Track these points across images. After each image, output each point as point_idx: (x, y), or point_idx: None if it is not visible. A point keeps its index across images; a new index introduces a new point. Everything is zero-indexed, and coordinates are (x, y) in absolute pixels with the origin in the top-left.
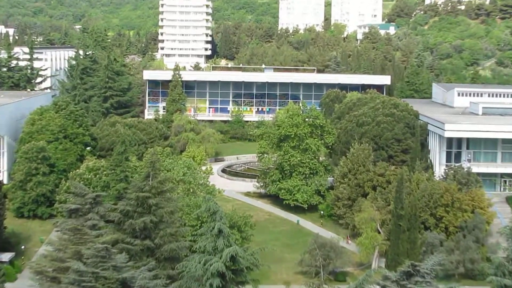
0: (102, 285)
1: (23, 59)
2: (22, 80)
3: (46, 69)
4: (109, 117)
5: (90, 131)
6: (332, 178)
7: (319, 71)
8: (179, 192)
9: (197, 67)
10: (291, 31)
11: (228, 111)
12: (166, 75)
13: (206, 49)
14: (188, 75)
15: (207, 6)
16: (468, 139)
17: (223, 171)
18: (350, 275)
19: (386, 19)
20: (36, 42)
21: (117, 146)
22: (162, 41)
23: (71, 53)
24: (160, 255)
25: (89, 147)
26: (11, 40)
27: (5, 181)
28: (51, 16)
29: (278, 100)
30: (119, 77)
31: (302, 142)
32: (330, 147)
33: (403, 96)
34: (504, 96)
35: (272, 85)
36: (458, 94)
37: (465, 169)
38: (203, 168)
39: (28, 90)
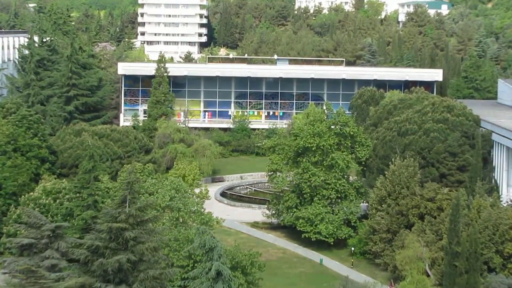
0: None
1: None
2: None
3: None
4: (73, 123)
5: (48, 142)
6: (366, 204)
7: (349, 63)
8: (165, 222)
9: (188, 59)
10: (311, 12)
11: (230, 116)
12: (148, 69)
13: (200, 35)
14: (176, 69)
15: None
16: None
17: (223, 194)
18: None
19: None
20: None
21: (83, 162)
22: (143, 24)
23: (22, 39)
24: None
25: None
26: None
27: None
28: None
29: (295, 101)
30: (86, 71)
31: (327, 157)
32: (363, 163)
33: (459, 96)
34: None
35: (287, 81)
36: None
37: None
38: (197, 190)
39: None
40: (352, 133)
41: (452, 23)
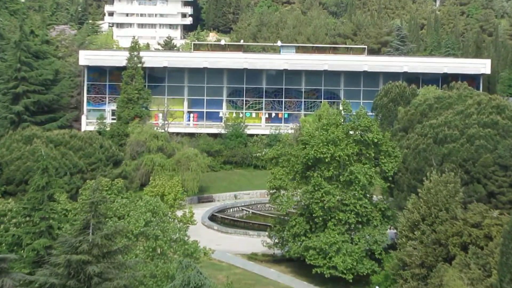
0: None
1: None
2: None
3: None
4: (22, 127)
5: None
6: (394, 231)
7: (372, 51)
8: (138, 253)
9: (169, 46)
10: None
11: (221, 118)
12: (118, 59)
13: (184, 16)
14: (154, 59)
15: None
16: None
17: (212, 218)
18: None
19: None
20: None
21: (35, 176)
22: (111, 1)
23: None
24: None
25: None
26: None
27: None
28: None
29: (303, 100)
30: (40, 61)
31: (344, 171)
32: (390, 178)
33: None
34: None
35: (294, 74)
36: None
37: None
38: (179, 213)
39: None
40: (376, 140)
41: (503, 1)
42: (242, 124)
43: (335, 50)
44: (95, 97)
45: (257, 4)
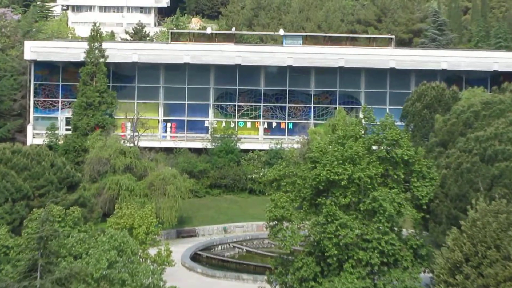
0: None
1: None
2: None
3: None
4: None
5: None
6: (430, 275)
7: (401, 42)
8: None
9: (139, 35)
10: None
11: (206, 128)
12: (74, 52)
13: None
14: (120, 52)
15: None
16: None
17: (195, 258)
18: None
19: None
20: None
21: None
22: None
23: None
24: None
25: None
26: None
27: None
28: None
29: (312, 105)
30: None
31: (366, 197)
32: (425, 207)
33: None
34: None
35: (301, 72)
36: None
37: None
38: (152, 252)
39: None
40: (406, 157)
41: None
42: (234, 136)
43: (353, 41)
44: (45, 101)
45: None
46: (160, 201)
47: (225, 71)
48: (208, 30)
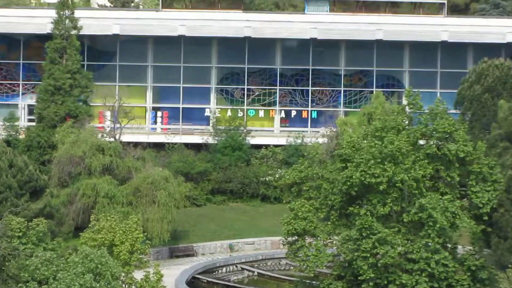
0: None
1: None
2: None
3: None
4: None
5: None
6: None
7: (456, 9)
8: None
9: None
10: None
11: (207, 119)
12: (38, 22)
13: None
14: (98, 22)
15: None
16: None
17: (193, 283)
18: None
19: None
20: None
21: None
22: None
23: None
24: None
25: None
26: None
27: None
28: None
29: (342, 89)
30: None
31: (411, 205)
32: (486, 217)
33: None
34: None
35: (328, 47)
36: None
37: None
38: (139, 275)
39: None
40: (462, 155)
41: None
42: (242, 128)
43: (395, 8)
44: (1, 84)
45: None
46: (148, 211)
47: (231, 46)
48: None
